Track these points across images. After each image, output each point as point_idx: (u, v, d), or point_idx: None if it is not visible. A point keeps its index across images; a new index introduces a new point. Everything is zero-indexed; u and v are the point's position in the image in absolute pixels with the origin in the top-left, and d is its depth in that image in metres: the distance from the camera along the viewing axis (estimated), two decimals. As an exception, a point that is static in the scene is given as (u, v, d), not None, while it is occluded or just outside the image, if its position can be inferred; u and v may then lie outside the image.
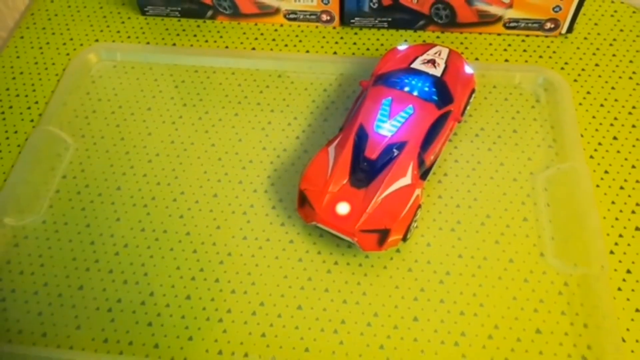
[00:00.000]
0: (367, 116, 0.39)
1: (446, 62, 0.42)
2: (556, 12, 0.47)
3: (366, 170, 0.37)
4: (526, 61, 0.48)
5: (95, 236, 0.40)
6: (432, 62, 0.42)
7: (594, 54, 0.48)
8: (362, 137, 0.38)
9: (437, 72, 0.41)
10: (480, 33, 0.50)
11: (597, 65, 0.48)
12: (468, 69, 0.42)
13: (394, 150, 0.37)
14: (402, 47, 0.44)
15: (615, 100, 0.46)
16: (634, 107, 0.45)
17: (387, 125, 0.38)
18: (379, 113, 0.39)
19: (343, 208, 0.36)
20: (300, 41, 0.50)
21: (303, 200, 0.38)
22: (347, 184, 0.37)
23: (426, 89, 0.40)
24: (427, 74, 0.41)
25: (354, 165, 0.37)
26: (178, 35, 0.51)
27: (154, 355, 0.35)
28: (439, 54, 0.42)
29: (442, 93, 0.40)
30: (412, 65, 0.42)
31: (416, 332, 0.36)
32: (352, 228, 0.35)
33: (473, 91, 0.43)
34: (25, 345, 0.36)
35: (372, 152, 0.37)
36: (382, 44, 0.49)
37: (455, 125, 0.41)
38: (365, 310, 0.36)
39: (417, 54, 0.42)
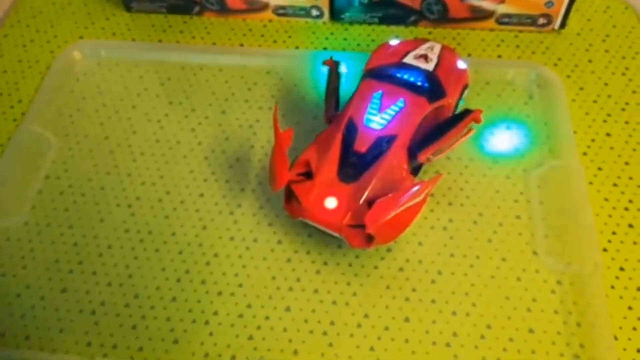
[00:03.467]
0: (357, 110, 0.38)
1: (438, 57, 0.41)
2: (549, 7, 0.47)
3: (355, 164, 0.36)
4: (519, 57, 0.47)
5: (79, 237, 0.39)
6: (424, 56, 0.41)
7: (587, 49, 0.48)
8: (351, 131, 0.37)
9: (429, 66, 0.40)
10: (473, 29, 0.49)
11: (590, 61, 0.47)
12: (461, 64, 0.42)
13: (384, 144, 0.36)
14: (393, 42, 0.43)
15: (609, 96, 0.45)
16: (627, 103, 0.45)
17: (377, 119, 0.37)
18: (369, 107, 0.38)
19: (331, 203, 0.35)
20: (289, 37, 0.49)
21: (290, 195, 0.37)
22: (335, 178, 0.36)
23: (418, 83, 0.39)
24: (419, 68, 0.40)
25: (343, 159, 0.36)
26: (164, 31, 0.50)
27: (139, 359, 0.34)
28: (432, 49, 0.42)
29: (434, 87, 0.39)
30: (404, 60, 0.41)
31: (407, 333, 0.35)
32: (340, 223, 0.35)
33: (466, 86, 0.42)
34: (8, 348, 0.35)
35: (362, 145, 0.36)
36: (373, 40, 0.49)
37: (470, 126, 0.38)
38: (355, 311, 0.36)
39: (409, 49, 0.42)
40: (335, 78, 0.41)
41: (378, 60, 0.41)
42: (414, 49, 0.42)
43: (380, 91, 0.38)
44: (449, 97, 0.40)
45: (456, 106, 0.41)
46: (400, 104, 0.38)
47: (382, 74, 0.40)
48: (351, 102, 0.39)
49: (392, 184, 0.35)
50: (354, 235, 0.35)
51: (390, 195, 0.34)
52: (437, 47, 0.42)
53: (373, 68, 0.41)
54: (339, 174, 0.36)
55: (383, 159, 0.36)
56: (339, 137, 0.37)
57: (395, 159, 0.36)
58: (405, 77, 0.39)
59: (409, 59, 0.41)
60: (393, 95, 0.38)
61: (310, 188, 0.35)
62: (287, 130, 0.37)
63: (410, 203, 0.33)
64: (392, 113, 0.37)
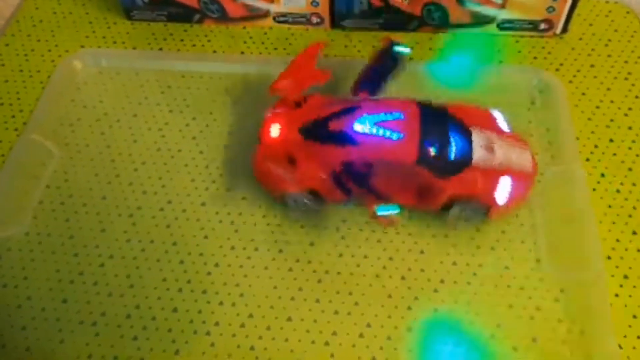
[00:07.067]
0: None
1: None
2: (550, 12, 0.46)
3: None
4: (521, 62, 0.47)
5: (80, 247, 0.39)
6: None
7: (589, 54, 0.48)
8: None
9: None
10: (474, 34, 0.49)
11: (592, 66, 0.47)
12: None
13: None
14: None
15: (611, 101, 0.45)
16: (630, 109, 0.44)
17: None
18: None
19: None
20: (290, 44, 0.49)
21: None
22: None
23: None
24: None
25: None
26: (165, 39, 0.50)
27: (140, 370, 0.34)
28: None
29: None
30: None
31: (410, 343, 0.35)
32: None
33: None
34: (9, 360, 0.35)
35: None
36: (373, 46, 0.49)
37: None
38: (357, 320, 0.36)
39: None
40: (383, 58, 0.39)
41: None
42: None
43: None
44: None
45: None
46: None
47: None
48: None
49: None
50: None
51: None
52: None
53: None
54: None
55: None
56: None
57: None
58: None
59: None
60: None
61: None
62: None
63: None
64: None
